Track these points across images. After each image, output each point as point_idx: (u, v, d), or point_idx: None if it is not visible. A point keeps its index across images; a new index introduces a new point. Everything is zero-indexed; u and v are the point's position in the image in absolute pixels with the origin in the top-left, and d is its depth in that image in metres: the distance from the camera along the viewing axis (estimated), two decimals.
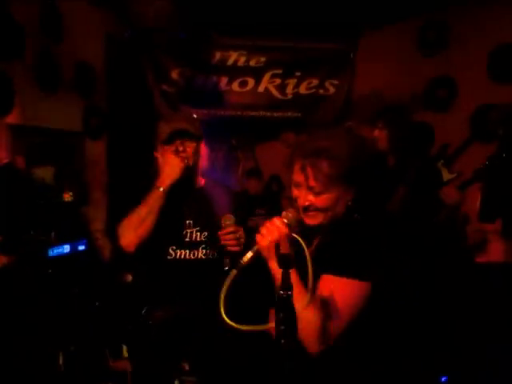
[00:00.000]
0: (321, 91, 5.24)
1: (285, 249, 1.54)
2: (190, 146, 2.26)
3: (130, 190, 2.46)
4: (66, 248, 3.36)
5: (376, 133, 3.18)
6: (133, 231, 2.17)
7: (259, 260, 1.56)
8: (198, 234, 2.30)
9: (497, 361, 2.63)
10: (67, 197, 3.72)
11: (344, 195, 1.59)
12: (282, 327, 1.29)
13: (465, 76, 4.56)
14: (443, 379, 2.75)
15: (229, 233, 2.16)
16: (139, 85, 4.97)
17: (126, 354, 3.07)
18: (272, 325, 1.33)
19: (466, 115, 4.51)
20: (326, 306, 1.47)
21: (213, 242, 2.29)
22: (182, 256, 2.26)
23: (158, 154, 2.31)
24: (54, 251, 3.23)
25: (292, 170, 1.65)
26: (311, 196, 1.58)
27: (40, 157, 3.79)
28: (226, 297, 1.53)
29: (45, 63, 4.09)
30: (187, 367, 2.20)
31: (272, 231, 1.53)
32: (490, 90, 4.37)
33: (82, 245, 3.53)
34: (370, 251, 1.52)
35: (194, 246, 2.28)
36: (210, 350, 2.26)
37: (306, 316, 1.43)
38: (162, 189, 2.15)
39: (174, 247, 2.26)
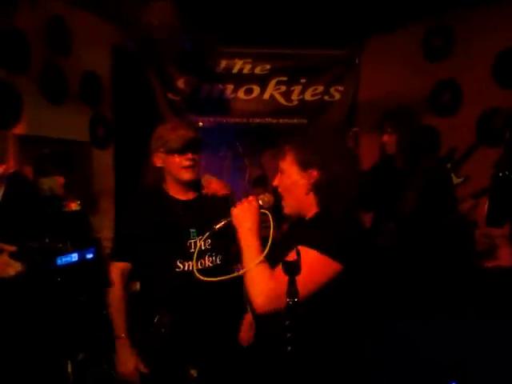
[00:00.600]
0: (326, 97, 5.25)
1: (254, 221, 1.72)
2: (198, 157, 2.26)
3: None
4: (74, 256, 3.36)
5: (385, 138, 3.19)
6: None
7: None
8: (203, 242, 2.28)
9: (503, 365, 2.62)
10: (75, 206, 3.73)
11: (300, 179, 1.71)
12: (288, 334, 1.30)
13: (470, 80, 4.56)
14: None
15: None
16: (145, 94, 5.01)
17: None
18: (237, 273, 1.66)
19: (471, 119, 4.51)
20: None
21: (218, 248, 2.30)
22: (191, 267, 2.24)
23: (159, 162, 2.29)
24: (63, 260, 3.23)
25: None
26: (278, 176, 1.78)
27: (48, 167, 3.81)
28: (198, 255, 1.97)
29: (51, 74, 4.13)
30: (195, 375, 2.20)
31: (245, 204, 1.75)
32: (496, 94, 4.37)
33: (90, 253, 3.53)
34: (346, 235, 1.63)
35: (200, 255, 2.26)
36: (219, 358, 2.26)
37: (256, 273, 1.61)
38: None
39: (181, 259, 2.26)
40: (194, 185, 2.37)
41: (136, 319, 2.31)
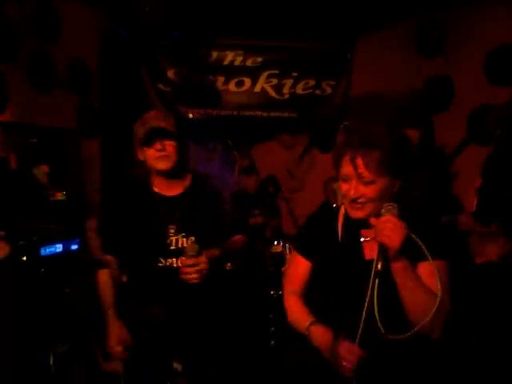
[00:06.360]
0: (317, 92, 5.22)
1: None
2: (170, 145, 2.20)
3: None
4: (59, 247, 3.32)
5: (409, 132, 3.25)
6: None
7: None
8: (184, 239, 2.26)
9: (494, 362, 2.61)
10: (60, 195, 3.68)
11: (390, 186, 1.61)
12: (273, 328, 1.27)
13: (462, 77, 4.55)
14: None
15: (189, 265, 2.13)
16: (135, 83, 4.95)
17: None
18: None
19: (463, 116, 4.50)
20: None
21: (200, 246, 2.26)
22: (171, 264, 2.24)
23: (140, 157, 2.26)
24: (47, 250, 3.19)
25: (339, 166, 1.65)
26: (361, 186, 1.59)
27: (34, 155, 3.76)
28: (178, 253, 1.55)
29: (39, 61, 4.06)
30: (180, 369, 2.18)
31: (398, 230, 1.50)
32: (488, 91, 4.35)
33: (75, 244, 3.49)
34: (446, 234, 1.61)
35: (180, 253, 2.23)
36: (203, 351, 2.24)
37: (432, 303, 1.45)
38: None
39: (162, 256, 2.24)
40: (179, 179, 2.34)
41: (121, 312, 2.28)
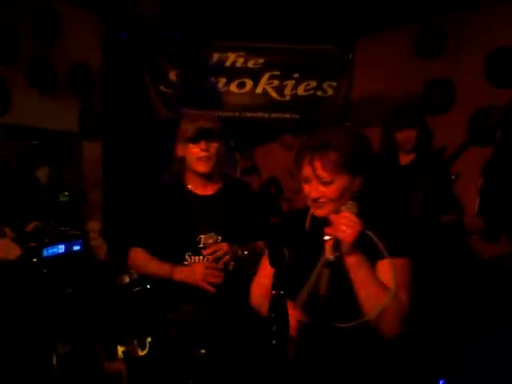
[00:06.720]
0: (319, 93, 5.23)
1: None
2: (213, 147, 2.30)
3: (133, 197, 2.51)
4: (61, 248, 3.33)
5: (406, 133, 3.35)
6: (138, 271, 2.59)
7: None
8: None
9: (495, 361, 2.62)
10: (62, 197, 3.71)
11: (350, 185, 1.63)
12: (274, 327, 1.28)
13: (462, 79, 4.56)
14: (441, 382, 2.74)
15: (210, 253, 2.19)
16: (136, 86, 4.96)
17: (120, 355, 3.05)
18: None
19: (463, 118, 4.50)
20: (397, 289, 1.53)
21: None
22: (197, 262, 2.27)
23: (180, 152, 2.33)
24: (49, 251, 3.20)
25: (300, 168, 1.68)
26: (321, 187, 1.63)
27: (36, 157, 3.78)
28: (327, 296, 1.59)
29: (40, 64, 4.09)
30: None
31: (352, 226, 1.52)
32: (488, 94, 4.36)
33: (78, 245, 3.50)
34: (406, 229, 1.66)
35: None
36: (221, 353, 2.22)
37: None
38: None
39: (190, 253, 2.27)
40: (213, 180, 2.39)
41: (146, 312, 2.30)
